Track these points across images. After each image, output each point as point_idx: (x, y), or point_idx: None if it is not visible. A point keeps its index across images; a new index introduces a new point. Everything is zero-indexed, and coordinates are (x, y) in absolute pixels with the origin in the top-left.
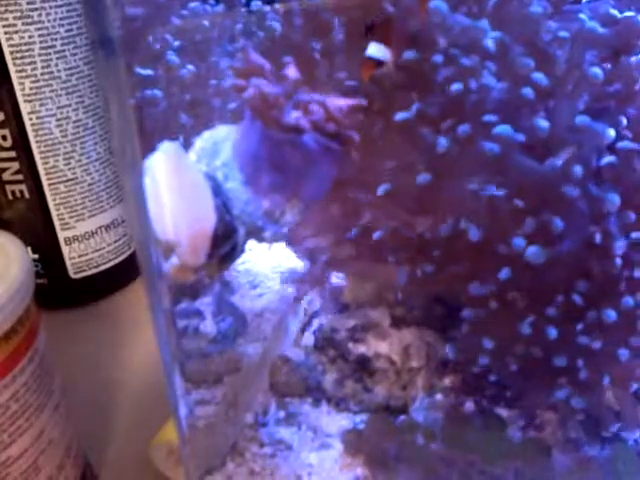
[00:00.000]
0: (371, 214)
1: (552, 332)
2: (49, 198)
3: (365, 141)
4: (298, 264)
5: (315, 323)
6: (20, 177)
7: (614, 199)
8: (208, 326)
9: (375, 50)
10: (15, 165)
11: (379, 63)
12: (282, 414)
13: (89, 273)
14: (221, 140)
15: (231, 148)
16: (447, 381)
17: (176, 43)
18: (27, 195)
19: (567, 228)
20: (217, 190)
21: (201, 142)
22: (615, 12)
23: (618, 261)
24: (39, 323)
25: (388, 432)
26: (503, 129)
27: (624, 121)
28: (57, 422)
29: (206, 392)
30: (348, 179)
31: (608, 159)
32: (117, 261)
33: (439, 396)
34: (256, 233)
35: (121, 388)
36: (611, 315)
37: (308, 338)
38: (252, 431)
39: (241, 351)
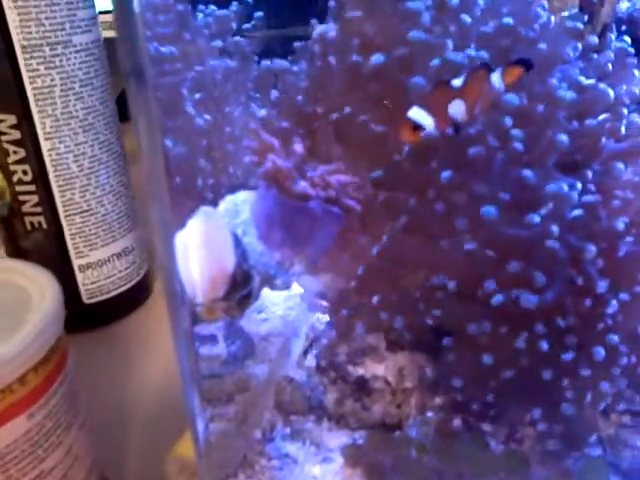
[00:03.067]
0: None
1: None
2: (65, 228)
3: (364, 210)
4: (299, 291)
5: (316, 347)
6: (39, 209)
7: (591, 249)
8: (220, 349)
9: (418, 114)
10: (34, 198)
11: (417, 127)
12: (287, 430)
13: (101, 298)
14: (241, 203)
15: (249, 209)
16: (437, 400)
17: (197, 95)
18: (45, 226)
19: (550, 276)
20: (237, 243)
21: (224, 204)
22: (582, 79)
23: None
24: (68, 348)
25: (384, 446)
26: (488, 210)
27: (589, 175)
28: (83, 439)
29: (219, 409)
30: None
31: (576, 212)
32: (127, 287)
33: (430, 414)
34: (269, 281)
35: (134, 407)
36: (599, 353)
37: (310, 360)
38: (260, 446)
39: (249, 372)
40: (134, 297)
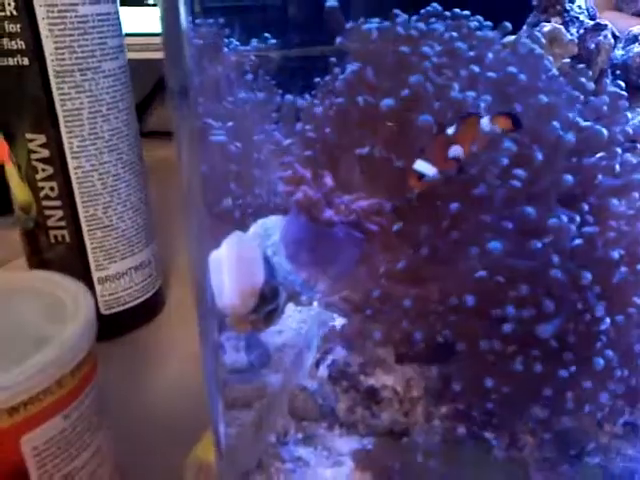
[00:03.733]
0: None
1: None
2: (87, 242)
3: (383, 233)
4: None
5: (329, 358)
6: (63, 223)
7: (586, 276)
8: (240, 358)
9: (422, 166)
10: (59, 213)
11: (422, 176)
12: (300, 436)
13: (118, 310)
14: (271, 226)
15: (279, 232)
16: (443, 409)
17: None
18: (68, 239)
19: (556, 302)
20: (266, 262)
21: (255, 227)
22: (580, 120)
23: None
24: (97, 357)
25: (392, 452)
26: (494, 245)
27: (586, 208)
28: (109, 440)
29: (237, 414)
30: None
31: (576, 242)
32: (143, 299)
33: (436, 422)
34: (295, 297)
35: (149, 413)
36: (599, 363)
37: (322, 371)
38: (275, 449)
39: (265, 380)
40: (149, 309)
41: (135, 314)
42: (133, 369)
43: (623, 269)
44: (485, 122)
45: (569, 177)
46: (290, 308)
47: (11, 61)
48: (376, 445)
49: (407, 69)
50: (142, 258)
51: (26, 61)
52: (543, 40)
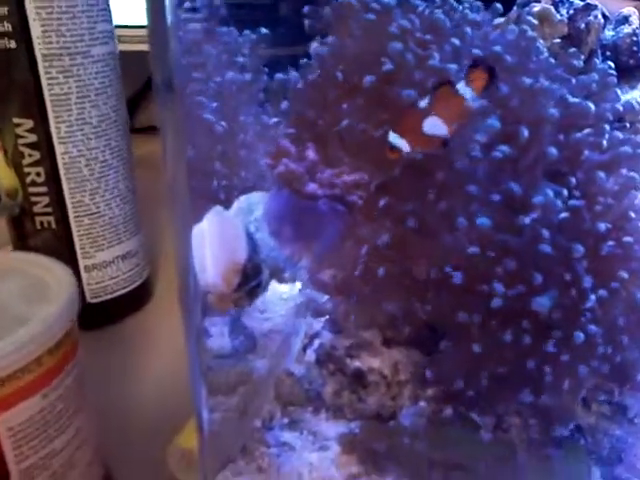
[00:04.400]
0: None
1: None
2: (74, 229)
3: (366, 207)
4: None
5: (316, 343)
6: (49, 209)
7: (579, 249)
8: (225, 343)
9: (395, 139)
10: (46, 199)
11: (397, 149)
12: (286, 420)
13: (104, 298)
14: (254, 202)
15: (262, 208)
16: (430, 392)
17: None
18: (54, 226)
19: (546, 275)
20: (249, 238)
21: (238, 203)
22: (569, 97)
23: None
24: (78, 336)
25: (379, 435)
26: (482, 221)
27: (573, 181)
28: (89, 424)
29: (221, 400)
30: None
31: (563, 215)
32: (129, 289)
33: (423, 404)
34: (278, 274)
35: (134, 402)
36: (579, 336)
37: (310, 355)
38: (260, 434)
39: (250, 366)
40: (136, 299)
41: (122, 303)
42: (119, 358)
43: (610, 242)
44: (462, 87)
45: (553, 150)
46: (277, 295)
47: None
48: (362, 428)
49: (386, 39)
50: (129, 247)
51: (13, 44)
52: (534, 21)
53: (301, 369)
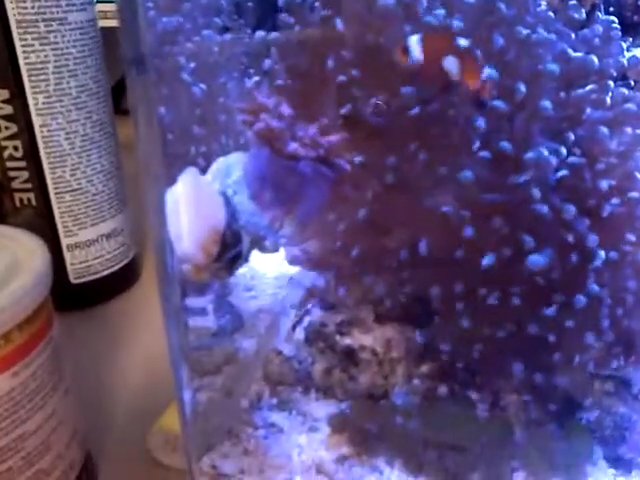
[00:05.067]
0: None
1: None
2: (55, 206)
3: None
4: (290, 269)
5: (306, 320)
6: (29, 186)
7: (569, 209)
8: (209, 322)
9: (413, 44)
10: (25, 174)
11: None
12: (275, 400)
13: (88, 279)
14: (233, 164)
15: (241, 170)
16: (424, 369)
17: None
18: (34, 203)
19: (540, 237)
20: (227, 203)
21: (216, 165)
22: (570, 51)
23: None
24: (53, 313)
25: (370, 414)
26: (466, 175)
27: (572, 138)
28: (66, 405)
29: (206, 380)
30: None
31: (562, 173)
32: (115, 269)
33: (416, 382)
34: (259, 242)
35: (118, 384)
36: (580, 300)
37: (299, 333)
38: (247, 415)
39: (237, 345)
40: (122, 279)
41: (107, 284)
42: (103, 340)
43: (614, 201)
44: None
45: (547, 104)
46: (265, 275)
47: None
48: (353, 408)
49: None
50: (114, 225)
51: None
52: None
53: (291, 348)
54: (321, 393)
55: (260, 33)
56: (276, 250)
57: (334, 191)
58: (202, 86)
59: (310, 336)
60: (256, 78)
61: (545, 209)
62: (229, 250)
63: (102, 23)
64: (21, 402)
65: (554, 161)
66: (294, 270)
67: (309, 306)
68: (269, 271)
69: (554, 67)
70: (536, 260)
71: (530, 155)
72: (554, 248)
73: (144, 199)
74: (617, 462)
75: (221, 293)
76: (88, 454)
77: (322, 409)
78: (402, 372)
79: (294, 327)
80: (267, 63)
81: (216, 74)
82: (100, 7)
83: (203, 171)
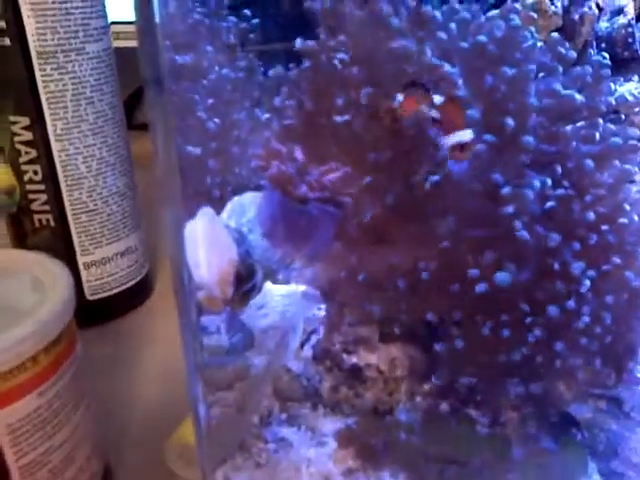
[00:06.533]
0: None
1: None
2: (72, 227)
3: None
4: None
5: (313, 339)
6: (47, 207)
7: (554, 237)
8: (222, 340)
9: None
10: (43, 197)
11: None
12: (284, 416)
13: (103, 295)
14: (247, 203)
15: (255, 209)
16: (426, 387)
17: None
18: (52, 223)
19: (522, 261)
20: (242, 240)
21: (231, 205)
22: (560, 88)
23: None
24: (76, 334)
25: (376, 429)
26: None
27: (559, 171)
28: (88, 420)
29: (219, 396)
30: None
31: (549, 204)
32: (128, 285)
33: (419, 399)
34: (271, 275)
35: (133, 398)
36: (554, 310)
37: (307, 351)
38: (258, 430)
39: (249, 362)
40: (135, 295)
41: (121, 300)
42: (119, 355)
43: (604, 229)
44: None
45: (530, 139)
46: (277, 291)
47: None
48: (359, 423)
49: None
50: (128, 244)
51: (7, 41)
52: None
53: (299, 365)
54: (329, 409)
55: (272, 72)
56: (287, 282)
57: (339, 227)
58: (216, 120)
59: (318, 355)
60: (267, 115)
61: (526, 235)
62: (245, 283)
63: (115, 44)
64: (47, 419)
65: (531, 195)
66: (302, 288)
67: (316, 326)
68: (278, 289)
69: (534, 100)
70: (501, 277)
71: (506, 190)
72: (541, 274)
73: (159, 217)
74: (610, 476)
75: (233, 312)
76: (107, 465)
77: (329, 424)
78: (406, 389)
79: (302, 345)
80: (277, 100)
81: (231, 109)
82: (112, 28)
83: (218, 200)
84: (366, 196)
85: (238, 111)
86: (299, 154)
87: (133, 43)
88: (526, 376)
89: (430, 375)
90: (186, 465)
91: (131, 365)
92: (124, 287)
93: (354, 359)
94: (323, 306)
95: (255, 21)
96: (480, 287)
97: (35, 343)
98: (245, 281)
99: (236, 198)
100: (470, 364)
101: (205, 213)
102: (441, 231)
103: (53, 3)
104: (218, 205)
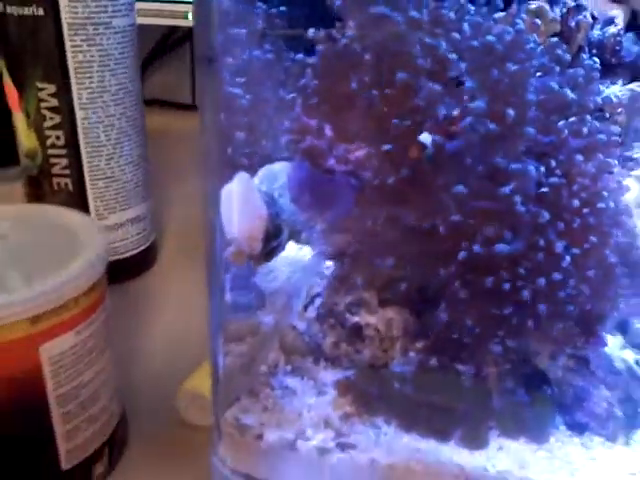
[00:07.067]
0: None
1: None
2: (89, 191)
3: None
4: (303, 257)
5: (317, 302)
6: (67, 172)
7: (544, 214)
8: (240, 299)
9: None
10: (64, 161)
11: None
12: (289, 368)
13: (114, 259)
14: (278, 171)
15: (285, 176)
16: (418, 345)
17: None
18: (70, 187)
19: (518, 233)
20: (272, 203)
21: (263, 171)
22: (555, 85)
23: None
24: (107, 286)
25: (372, 380)
26: (459, 188)
27: (553, 163)
28: (110, 364)
29: (233, 348)
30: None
31: (543, 189)
32: (137, 251)
33: (412, 355)
34: (296, 235)
35: (142, 353)
36: (541, 281)
37: (311, 312)
38: (266, 378)
39: (259, 319)
40: (142, 262)
41: (130, 265)
42: (127, 314)
43: (585, 213)
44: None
45: (531, 130)
46: (281, 261)
47: (27, 10)
48: (357, 375)
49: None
50: (139, 212)
51: (41, 11)
52: (525, 16)
53: (303, 325)
54: (329, 362)
55: (299, 56)
56: (308, 243)
57: (358, 197)
58: (248, 97)
59: (322, 314)
60: (292, 94)
61: (523, 209)
62: (272, 241)
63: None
64: (81, 356)
65: (534, 172)
66: (307, 257)
67: (319, 290)
68: (285, 258)
69: (532, 96)
70: (500, 247)
71: (516, 166)
72: (530, 245)
73: (166, 190)
74: (574, 426)
75: (248, 274)
76: (123, 409)
77: (329, 376)
78: (400, 347)
79: (305, 307)
80: (303, 81)
81: (260, 88)
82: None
83: (247, 168)
84: (382, 168)
85: (266, 90)
86: (328, 130)
87: (142, 20)
88: (508, 335)
89: (421, 335)
90: (198, 410)
91: (138, 324)
92: (132, 253)
93: (356, 319)
94: (327, 272)
95: (282, 8)
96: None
97: (77, 287)
98: (272, 239)
99: (267, 166)
100: (458, 323)
101: (241, 177)
102: (447, 201)
103: None
104: (248, 171)
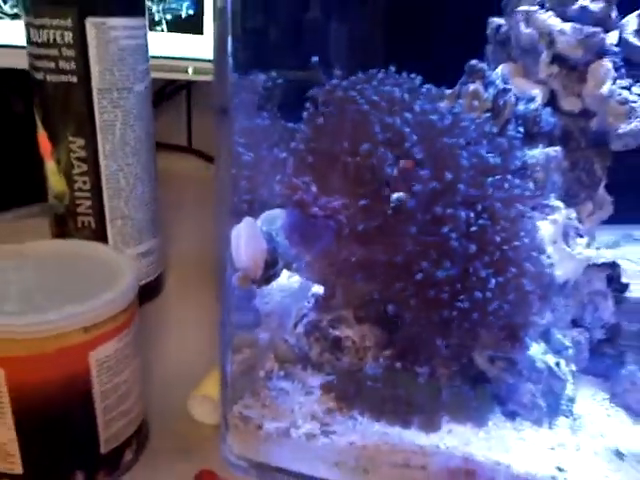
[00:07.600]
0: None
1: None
2: (109, 229)
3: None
4: (293, 285)
5: (304, 320)
6: (90, 211)
7: (472, 247)
8: (243, 318)
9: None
10: (88, 202)
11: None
12: (282, 373)
13: None
14: (275, 216)
15: (280, 220)
16: (386, 353)
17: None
18: (93, 225)
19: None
20: (271, 240)
21: (264, 215)
22: (483, 152)
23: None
24: (138, 305)
25: (349, 382)
26: (412, 230)
27: (480, 209)
28: (138, 370)
29: (236, 357)
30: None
31: (473, 229)
32: (146, 281)
33: (381, 360)
34: (288, 265)
35: (157, 364)
36: (478, 295)
37: (299, 329)
38: (263, 382)
39: (256, 335)
40: (150, 291)
41: (141, 292)
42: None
43: (505, 248)
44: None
45: (462, 186)
46: (275, 288)
47: (64, 78)
48: (337, 378)
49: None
50: (149, 246)
51: (75, 79)
52: (463, 101)
53: (293, 338)
54: (315, 368)
55: (291, 124)
56: (298, 272)
57: (336, 235)
58: (251, 154)
59: (308, 329)
60: (284, 154)
61: (457, 244)
62: (271, 268)
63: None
64: (119, 360)
65: (463, 216)
66: (296, 285)
67: (305, 311)
68: (278, 285)
69: (465, 161)
70: (440, 273)
71: (449, 211)
72: (458, 267)
73: (172, 228)
74: (507, 413)
75: (249, 297)
76: (145, 410)
77: (316, 380)
78: (372, 355)
79: (295, 325)
80: (293, 144)
81: (259, 147)
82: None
83: (247, 212)
84: (355, 216)
85: (263, 149)
86: (314, 188)
87: None
88: (450, 337)
89: (388, 345)
90: (206, 410)
91: (148, 340)
92: (142, 282)
93: (337, 333)
94: (312, 296)
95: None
96: (419, 276)
97: (119, 305)
98: (270, 267)
99: (267, 211)
100: (416, 336)
101: (247, 220)
102: (402, 241)
103: (113, 51)
104: (249, 214)
